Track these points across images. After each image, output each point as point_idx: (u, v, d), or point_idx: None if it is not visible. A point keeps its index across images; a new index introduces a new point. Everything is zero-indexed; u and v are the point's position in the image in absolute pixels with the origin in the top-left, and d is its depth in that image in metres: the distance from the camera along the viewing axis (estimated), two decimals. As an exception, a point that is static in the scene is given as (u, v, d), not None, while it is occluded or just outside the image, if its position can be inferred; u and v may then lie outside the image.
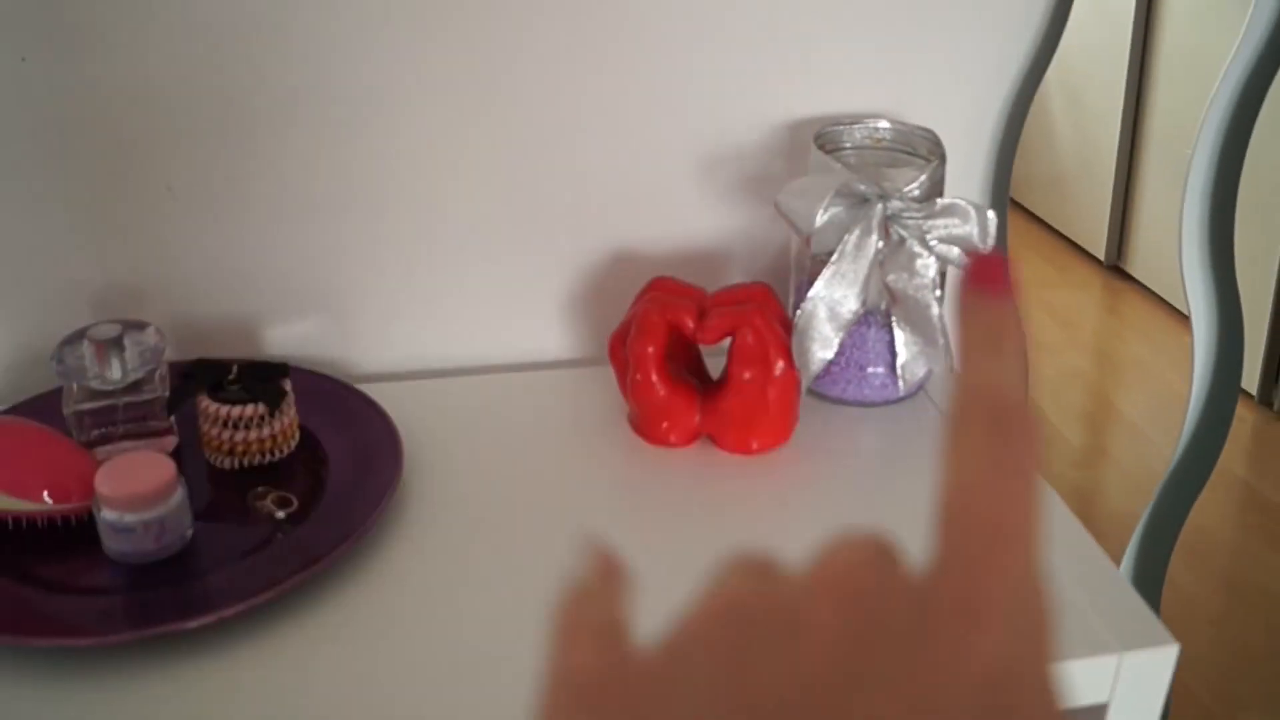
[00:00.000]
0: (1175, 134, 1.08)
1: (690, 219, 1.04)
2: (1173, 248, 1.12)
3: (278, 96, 0.94)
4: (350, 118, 0.95)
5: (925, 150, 0.97)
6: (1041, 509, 0.29)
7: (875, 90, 1.02)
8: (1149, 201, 1.13)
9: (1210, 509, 1.21)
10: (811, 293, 0.90)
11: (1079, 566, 0.82)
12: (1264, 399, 1.19)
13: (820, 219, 0.87)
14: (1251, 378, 1.27)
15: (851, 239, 0.89)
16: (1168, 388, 1.22)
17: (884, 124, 0.99)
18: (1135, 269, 1.16)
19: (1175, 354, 1.18)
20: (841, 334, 0.90)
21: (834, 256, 0.89)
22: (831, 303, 0.90)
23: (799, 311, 0.90)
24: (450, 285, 1.03)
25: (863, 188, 0.89)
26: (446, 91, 0.96)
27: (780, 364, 0.89)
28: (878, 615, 0.29)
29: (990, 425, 0.30)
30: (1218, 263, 1.12)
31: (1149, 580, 1.22)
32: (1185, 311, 1.13)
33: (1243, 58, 1.04)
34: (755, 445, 0.93)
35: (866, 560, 0.31)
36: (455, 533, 0.84)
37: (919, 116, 1.02)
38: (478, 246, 1.02)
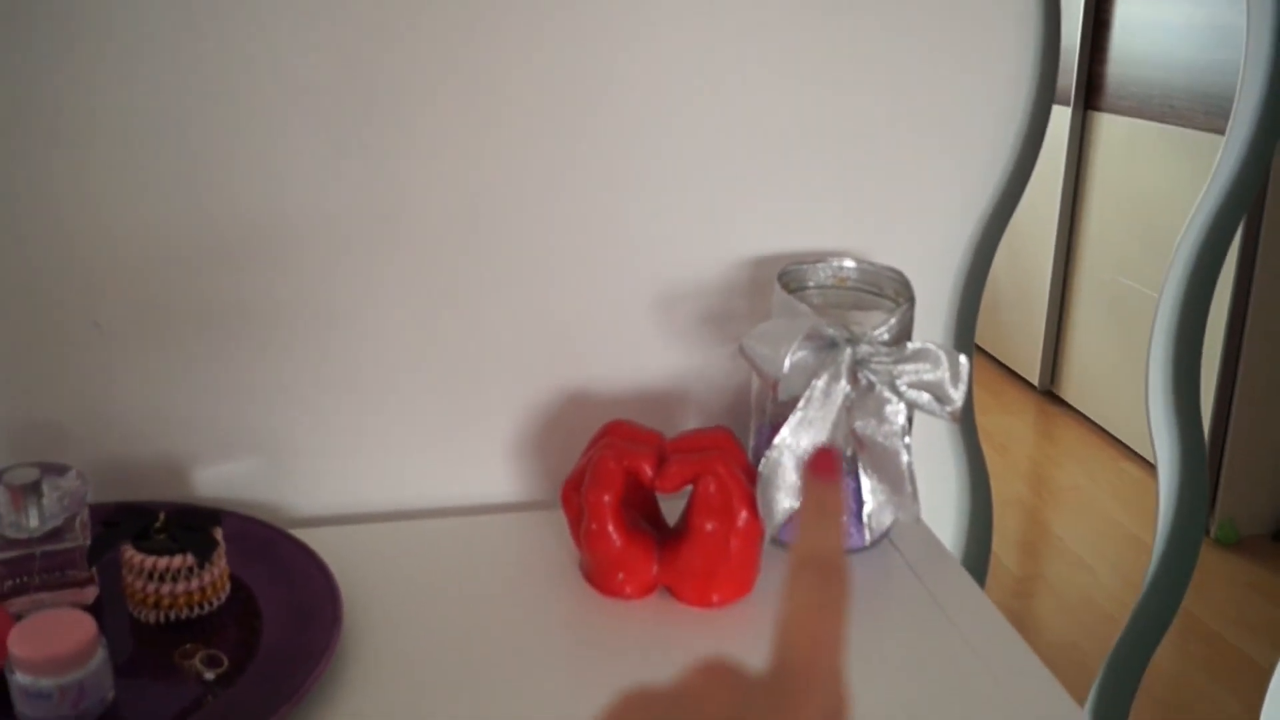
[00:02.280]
0: (1106, 263, 1.07)
1: (647, 358, 1.00)
2: (1106, 372, 1.11)
3: (211, 231, 0.89)
4: (291, 251, 0.91)
5: (892, 291, 0.94)
6: (847, 638, 0.41)
7: (839, 228, 0.99)
8: (1081, 328, 1.12)
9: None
10: (777, 440, 0.86)
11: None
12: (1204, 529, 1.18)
13: (787, 364, 0.84)
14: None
15: (819, 384, 0.85)
16: (1106, 515, 1.19)
17: (849, 263, 0.96)
18: (1068, 394, 1.14)
19: (1113, 481, 1.16)
20: (808, 483, 0.86)
21: (801, 402, 0.86)
22: (798, 450, 0.86)
23: (764, 459, 0.86)
24: (394, 424, 0.98)
25: (831, 331, 0.86)
26: (394, 226, 0.92)
27: (744, 514, 0.85)
28: (749, 694, 0.40)
29: (816, 575, 0.42)
30: (1183, 406, 1.10)
31: (1112, 723, 1.18)
32: (1120, 438, 1.12)
33: (1209, 203, 1.03)
34: (716, 598, 0.88)
35: (720, 675, 0.41)
36: (399, 694, 0.79)
37: (884, 256, 1.00)
38: (424, 383, 0.97)
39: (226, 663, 0.79)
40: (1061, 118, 1.04)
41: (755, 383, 0.96)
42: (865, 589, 0.92)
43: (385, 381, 0.96)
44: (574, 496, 0.88)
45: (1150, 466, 1.11)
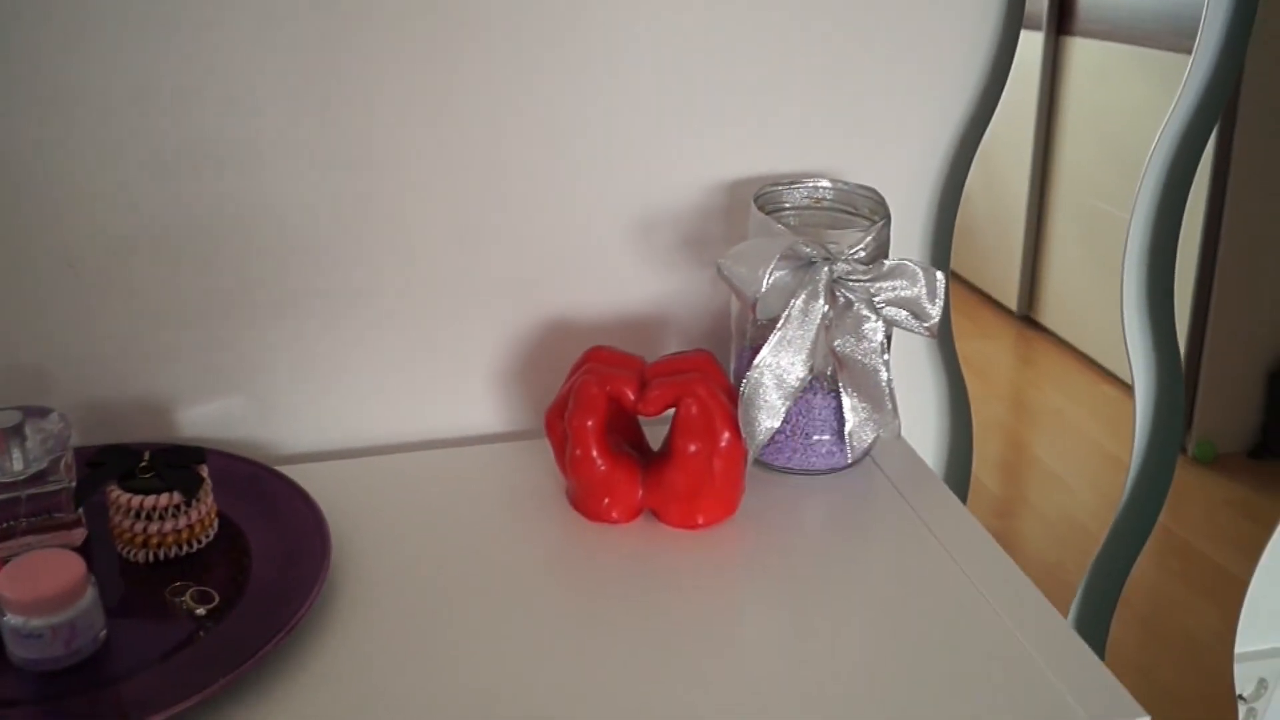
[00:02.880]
0: (1083, 186, 1.08)
1: (626, 284, 1.00)
2: (1083, 297, 1.11)
3: (183, 163, 0.89)
4: (269, 185, 0.90)
5: (868, 210, 0.94)
6: None
7: (814, 150, 0.99)
8: (1058, 252, 1.12)
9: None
10: (757, 360, 0.86)
11: (1039, 635, 0.78)
12: (1180, 446, 1.19)
13: (765, 283, 0.84)
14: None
15: (797, 303, 0.85)
16: (1085, 436, 1.20)
17: (825, 183, 0.96)
18: (1046, 319, 1.15)
19: (1092, 403, 1.17)
20: (789, 402, 0.87)
21: (780, 322, 0.86)
22: (778, 370, 0.86)
23: (744, 380, 0.86)
24: (377, 358, 0.98)
25: (808, 250, 0.86)
26: (365, 163, 0.91)
27: (726, 435, 0.85)
28: None
29: None
30: (1157, 322, 1.10)
31: (1093, 638, 1.20)
32: (1098, 360, 1.13)
33: (1178, 117, 1.03)
34: (700, 519, 0.89)
35: None
36: (388, 623, 0.79)
37: (859, 176, 1.00)
38: (405, 317, 0.97)
39: (217, 598, 0.80)
40: (1034, 42, 1.04)
41: (735, 306, 0.96)
42: (848, 506, 0.93)
43: (365, 316, 0.96)
44: (557, 423, 0.89)
45: (1129, 389, 1.12)
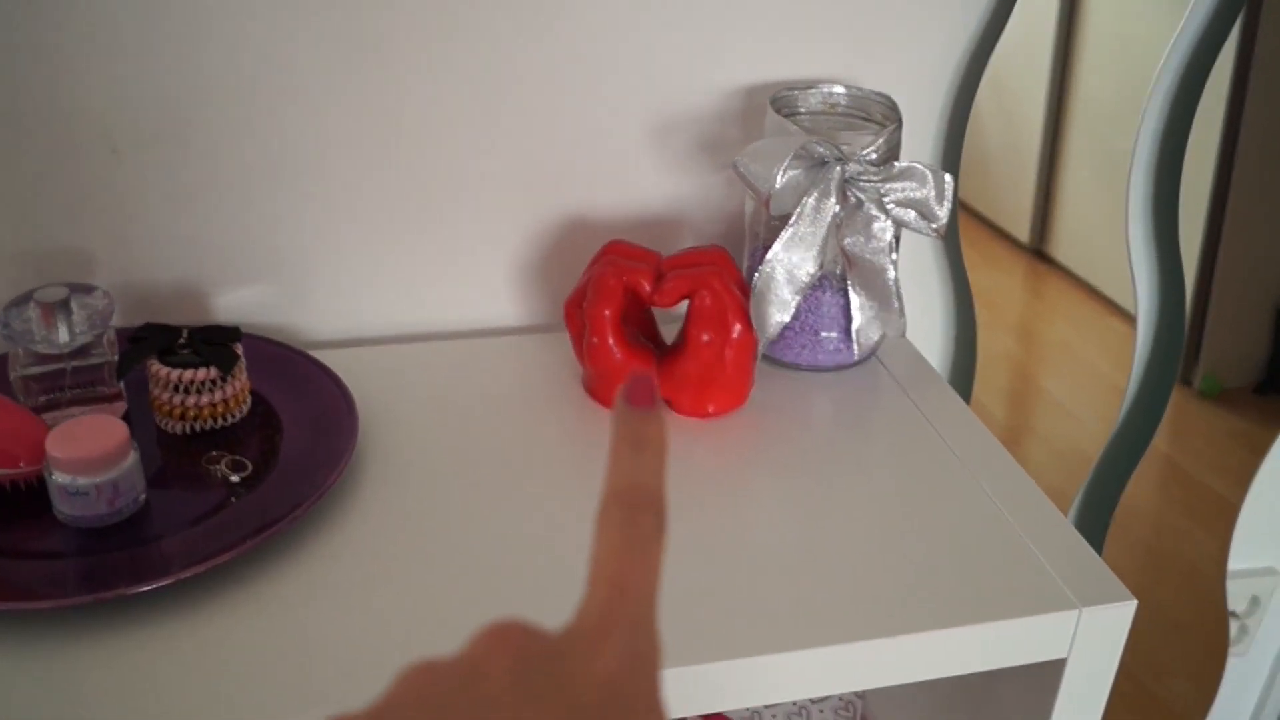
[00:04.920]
0: (1098, 119, 1.09)
1: (644, 184, 1.04)
2: (1095, 231, 1.13)
3: (223, 61, 0.92)
4: (295, 84, 0.94)
5: (880, 115, 0.97)
6: (659, 574, 0.40)
7: (829, 55, 1.02)
8: (1071, 186, 1.14)
9: (1133, 483, 1.23)
10: (769, 255, 0.90)
11: (1035, 526, 0.82)
12: (1184, 378, 1.21)
13: (779, 180, 0.87)
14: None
15: (809, 201, 0.89)
16: (1092, 369, 1.23)
17: (839, 89, 0.99)
18: (1058, 253, 1.17)
19: (1100, 337, 1.19)
20: (799, 297, 0.90)
21: (792, 219, 0.89)
22: (789, 265, 0.90)
23: (756, 274, 0.90)
24: (402, 251, 1.02)
25: (821, 150, 0.89)
26: (393, 58, 0.95)
27: (738, 327, 0.89)
28: (534, 657, 0.37)
29: (627, 512, 0.40)
30: (1162, 245, 1.13)
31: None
32: (1107, 295, 1.15)
33: (1183, 43, 1.05)
34: (711, 408, 0.93)
35: (507, 638, 0.38)
36: (411, 500, 0.84)
37: (872, 82, 1.02)
38: (430, 212, 1.01)
39: (250, 468, 0.84)
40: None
41: (749, 206, 0.99)
42: (852, 402, 0.97)
43: (391, 209, 1.00)
44: (576, 314, 0.92)
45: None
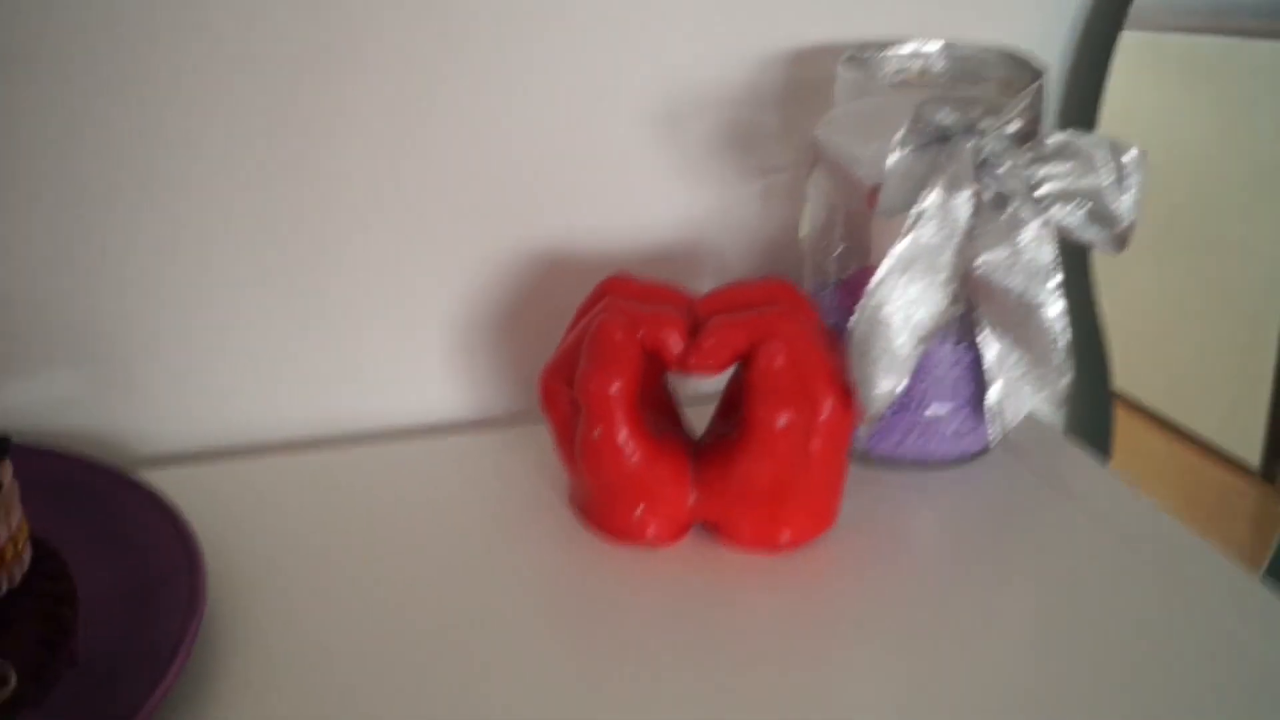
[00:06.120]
0: None
1: (646, 201, 0.70)
2: None
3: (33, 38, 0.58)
4: (135, 66, 0.59)
5: (999, 78, 0.65)
6: None
7: (900, 8, 0.70)
8: None
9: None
10: (874, 285, 0.56)
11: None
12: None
13: (896, 157, 0.54)
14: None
15: (932, 197, 0.55)
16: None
17: (932, 46, 0.66)
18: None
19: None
20: (921, 349, 0.57)
21: (906, 227, 0.56)
22: (906, 302, 0.56)
23: (856, 316, 0.56)
24: (286, 315, 0.67)
25: (944, 115, 0.56)
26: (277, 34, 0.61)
27: (829, 402, 0.55)
28: None
29: None
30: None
31: None
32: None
33: None
34: (786, 535, 0.58)
35: None
36: (291, 704, 0.48)
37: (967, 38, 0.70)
38: (329, 253, 0.66)
39: (15, 681, 0.48)
40: None
41: (807, 224, 0.66)
42: (992, 514, 0.63)
43: (268, 247, 0.65)
44: (562, 391, 0.58)
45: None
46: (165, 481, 0.61)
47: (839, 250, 0.65)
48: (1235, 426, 0.83)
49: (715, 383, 0.62)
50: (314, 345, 0.68)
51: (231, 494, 0.62)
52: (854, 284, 0.63)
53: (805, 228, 0.66)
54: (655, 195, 0.70)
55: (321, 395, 0.69)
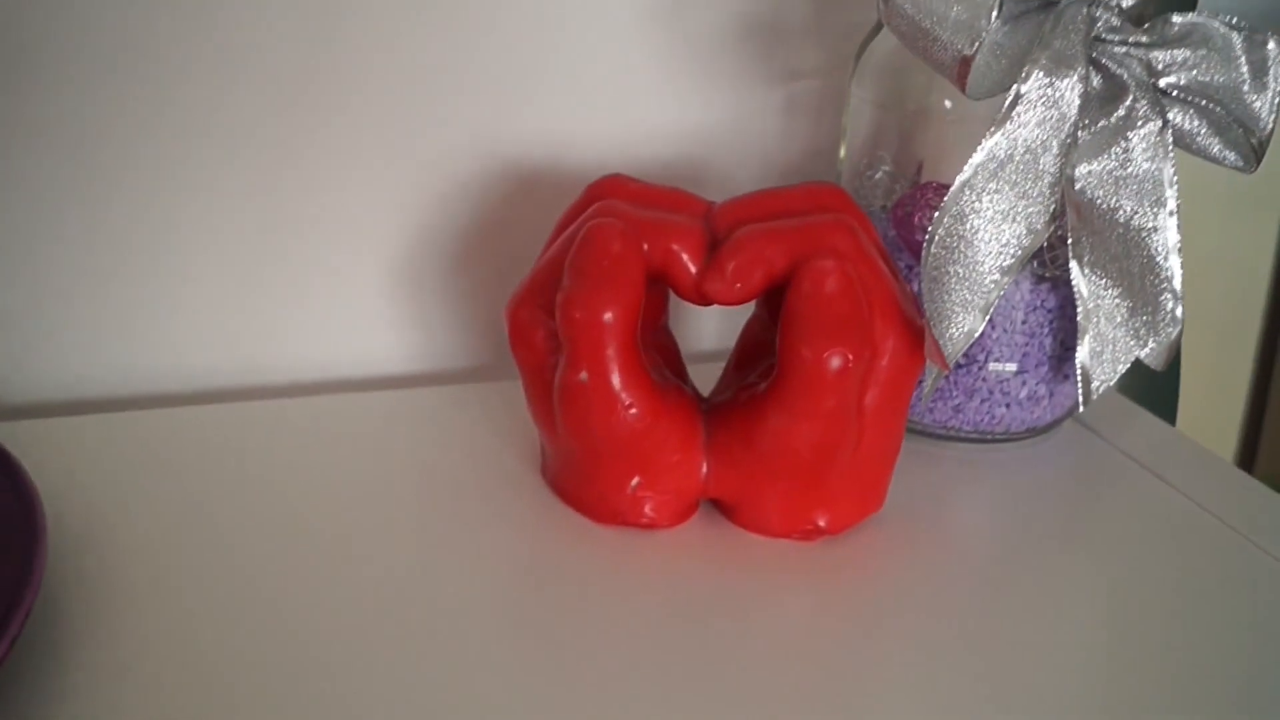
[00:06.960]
0: None
1: (641, 108, 0.57)
2: None
3: None
4: None
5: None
6: None
7: None
8: None
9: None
10: (952, 198, 0.42)
11: None
12: None
13: (993, 18, 0.41)
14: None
15: (1038, 77, 0.42)
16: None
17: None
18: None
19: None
20: (1006, 281, 0.43)
21: (1002, 114, 0.42)
22: (993, 218, 0.43)
23: (928, 241, 0.43)
24: (184, 238, 0.53)
25: (1048, -27, 0.43)
26: None
27: (890, 344, 0.42)
28: None
29: None
30: None
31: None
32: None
33: None
34: (823, 520, 0.44)
35: None
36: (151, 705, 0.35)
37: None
38: (238, 166, 0.52)
39: None
40: None
41: (846, 143, 0.53)
42: (1070, 497, 0.50)
43: (171, 155, 0.51)
44: (538, 322, 0.44)
45: None
46: (12, 433, 0.47)
47: (882, 172, 0.52)
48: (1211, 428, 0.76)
49: (714, 338, 0.49)
50: (224, 274, 0.54)
51: (94, 449, 0.48)
52: (910, 206, 0.49)
53: (845, 148, 0.53)
54: (653, 100, 0.56)
55: (232, 343, 0.55)
